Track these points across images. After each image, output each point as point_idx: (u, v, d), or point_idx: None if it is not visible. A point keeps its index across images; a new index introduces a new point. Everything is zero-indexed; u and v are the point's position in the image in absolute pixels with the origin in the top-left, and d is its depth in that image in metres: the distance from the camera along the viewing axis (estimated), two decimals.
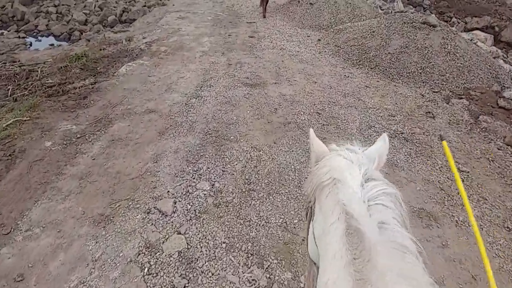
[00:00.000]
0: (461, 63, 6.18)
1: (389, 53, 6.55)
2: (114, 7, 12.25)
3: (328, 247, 0.86)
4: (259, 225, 3.06)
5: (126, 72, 6.19)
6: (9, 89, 5.67)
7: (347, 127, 4.65)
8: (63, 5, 12.88)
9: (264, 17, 10.76)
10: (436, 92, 5.84)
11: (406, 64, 6.29)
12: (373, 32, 7.09)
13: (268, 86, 5.72)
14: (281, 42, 7.91)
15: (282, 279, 2.60)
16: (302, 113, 4.91)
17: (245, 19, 9.72)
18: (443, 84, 5.98)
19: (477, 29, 12.35)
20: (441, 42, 6.39)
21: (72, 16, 11.79)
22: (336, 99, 5.39)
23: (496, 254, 2.94)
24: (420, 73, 6.13)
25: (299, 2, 9.79)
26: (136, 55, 7.12)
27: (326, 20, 8.99)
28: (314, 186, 0.99)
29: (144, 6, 12.23)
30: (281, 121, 4.69)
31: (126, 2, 12.70)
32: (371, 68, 6.52)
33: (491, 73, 6.19)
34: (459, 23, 13.10)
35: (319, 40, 8.08)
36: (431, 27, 6.54)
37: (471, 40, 8.75)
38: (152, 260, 2.69)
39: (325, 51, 7.45)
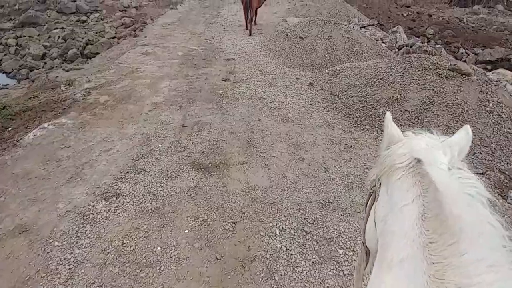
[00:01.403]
0: (510, 129, 4.22)
1: (406, 110, 4.57)
2: (81, 38, 10.46)
3: (395, 226, 0.81)
4: None
5: (32, 141, 4.15)
6: None
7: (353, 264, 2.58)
8: (24, 36, 11.08)
9: (250, 35, 9.61)
10: (482, 174, 3.82)
11: (431, 127, 4.33)
12: (381, 79, 5.14)
13: (231, 170, 3.65)
14: (262, 88, 5.97)
15: None
16: (278, 230, 2.84)
17: (223, 55, 7.86)
18: (488, 161, 3.98)
19: (490, 62, 10.55)
20: (479, 97, 4.44)
21: (28, 49, 9.94)
22: (335, 197, 3.32)
23: None
24: None
25: (287, 35, 7.97)
26: (65, 108, 5.13)
27: (320, 57, 7.13)
28: (384, 168, 0.93)
29: (114, 37, 10.44)
30: (240, 255, 2.61)
31: (95, 33, 10.93)
32: (382, 131, 4.54)
33: None
34: (468, 54, 11.31)
35: (310, 84, 6.16)
36: (463, 76, 4.61)
37: (498, 82, 6.85)
38: None
39: (318, 102, 5.48)
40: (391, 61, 5.53)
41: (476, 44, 12.55)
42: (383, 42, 9.53)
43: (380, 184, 0.97)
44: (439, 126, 4.30)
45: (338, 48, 7.18)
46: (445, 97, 4.47)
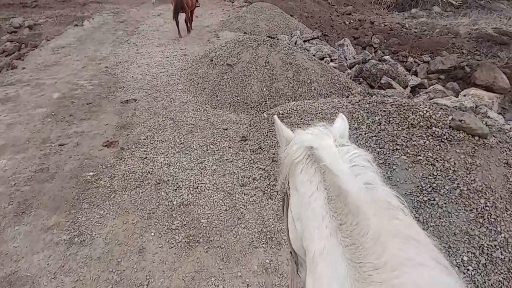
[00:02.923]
0: None
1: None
2: None
3: (309, 222, 0.79)
4: None
5: None
6: None
7: None
8: None
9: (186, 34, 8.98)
10: None
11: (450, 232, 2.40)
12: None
13: None
14: (168, 156, 3.62)
15: None
16: None
17: (122, 93, 5.39)
18: None
19: (443, 71, 9.35)
20: (505, 174, 2.63)
21: None
22: None
23: None
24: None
25: (212, 61, 5.75)
26: None
27: (256, 92, 5.03)
28: (287, 168, 0.93)
29: None
30: None
31: None
32: None
33: None
34: (418, 64, 10.09)
35: (243, 139, 4.00)
36: (476, 137, 2.76)
37: (476, 109, 5.30)
38: None
39: (255, 180, 3.32)
40: (356, 105, 3.55)
41: (423, 50, 11.44)
42: (331, 60, 7.74)
43: (289, 184, 0.95)
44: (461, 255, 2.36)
45: (279, 78, 5.11)
46: (456, 180, 2.58)
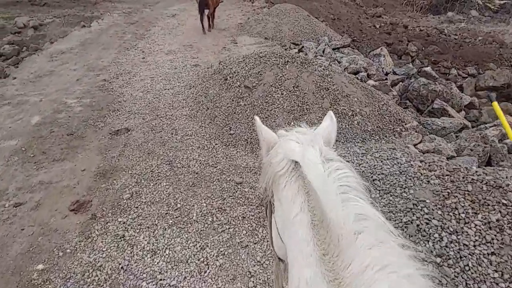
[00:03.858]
0: None
1: None
2: None
3: (293, 242, 0.73)
4: None
5: None
6: None
7: None
8: None
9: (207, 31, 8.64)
10: None
11: None
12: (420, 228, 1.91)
13: None
14: (157, 237, 2.41)
15: None
16: None
17: (113, 119, 4.25)
18: None
19: (494, 88, 7.81)
20: None
21: None
22: None
23: None
24: None
25: (226, 80, 4.51)
26: None
27: (281, 127, 3.83)
28: (269, 178, 0.84)
29: None
30: None
31: None
32: None
33: None
34: (464, 78, 8.55)
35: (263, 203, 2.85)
36: None
37: None
38: None
39: None
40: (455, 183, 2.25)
41: (467, 61, 9.82)
42: (368, 76, 6.36)
43: (273, 193, 0.86)
44: None
45: (312, 107, 3.83)
46: None
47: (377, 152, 3.04)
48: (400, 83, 6.14)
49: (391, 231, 0.62)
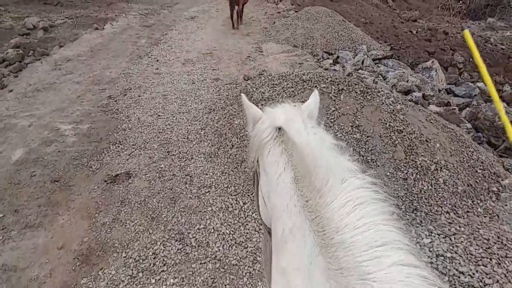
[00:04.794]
0: None
1: None
2: None
3: (278, 200, 0.77)
4: None
5: None
6: None
7: None
8: None
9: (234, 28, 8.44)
10: None
11: None
12: None
13: None
14: None
15: None
16: None
17: (112, 156, 3.23)
18: None
19: None
20: None
21: None
22: None
23: None
24: None
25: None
26: None
27: None
28: (255, 147, 0.88)
29: None
30: None
31: None
32: None
33: None
34: None
35: None
36: None
37: None
38: None
39: None
40: None
41: None
42: (424, 97, 5.11)
43: (258, 163, 0.90)
44: None
45: (378, 158, 2.69)
46: None
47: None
48: (467, 108, 4.87)
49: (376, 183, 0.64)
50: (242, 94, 1.07)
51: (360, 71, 6.18)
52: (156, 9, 10.54)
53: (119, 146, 3.45)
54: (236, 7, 8.20)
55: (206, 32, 8.37)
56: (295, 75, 3.46)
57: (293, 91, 3.29)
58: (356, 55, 7.15)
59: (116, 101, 4.61)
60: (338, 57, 6.99)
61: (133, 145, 3.50)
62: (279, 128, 0.81)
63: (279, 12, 10.43)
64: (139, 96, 4.76)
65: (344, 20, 7.97)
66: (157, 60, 6.31)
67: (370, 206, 0.60)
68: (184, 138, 3.62)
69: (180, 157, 3.29)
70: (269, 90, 3.54)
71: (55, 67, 5.97)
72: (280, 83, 3.53)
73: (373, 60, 7.14)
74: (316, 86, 3.17)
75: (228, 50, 7.00)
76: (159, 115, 4.15)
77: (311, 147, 0.69)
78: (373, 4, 14.36)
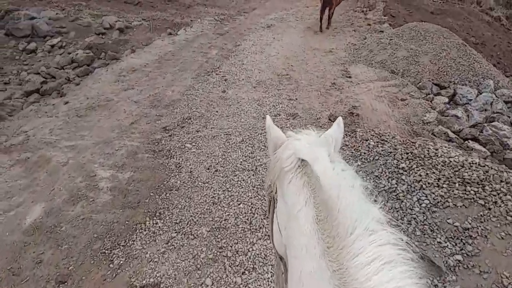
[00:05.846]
0: None
1: None
2: None
3: (295, 236, 0.69)
4: None
5: None
6: None
7: None
8: None
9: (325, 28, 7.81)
10: None
11: None
12: None
13: None
14: None
15: None
16: None
17: (143, 243, 2.16)
18: None
19: None
20: None
21: None
22: None
23: None
24: None
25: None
26: None
27: None
28: (275, 173, 0.80)
29: (29, 95, 5.38)
30: None
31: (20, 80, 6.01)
32: None
33: None
34: None
35: None
36: None
37: None
38: None
39: None
40: None
41: None
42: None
43: (276, 189, 0.84)
44: None
45: None
46: None
47: None
48: None
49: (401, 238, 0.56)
50: (267, 116, 0.95)
51: (494, 123, 4.30)
52: (232, 14, 9.64)
53: (156, 224, 2.39)
54: (327, 8, 7.54)
55: (283, 44, 7.11)
56: (454, 162, 1.93)
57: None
58: (481, 93, 5.18)
59: (170, 135, 3.63)
60: (455, 93, 5.11)
61: (175, 223, 2.41)
62: (303, 160, 0.72)
63: (369, 25, 8.63)
64: (197, 132, 3.71)
65: (465, 44, 5.94)
66: (225, 79, 5.25)
67: (399, 267, 0.51)
68: (245, 223, 2.40)
69: (237, 263, 2.08)
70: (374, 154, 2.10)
71: (119, 78, 5.32)
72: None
73: (505, 102, 5.12)
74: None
75: (308, 72, 5.64)
76: (217, 170, 3.01)
77: (338, 189, 0.61)
78: (483, 20, 11.51)
